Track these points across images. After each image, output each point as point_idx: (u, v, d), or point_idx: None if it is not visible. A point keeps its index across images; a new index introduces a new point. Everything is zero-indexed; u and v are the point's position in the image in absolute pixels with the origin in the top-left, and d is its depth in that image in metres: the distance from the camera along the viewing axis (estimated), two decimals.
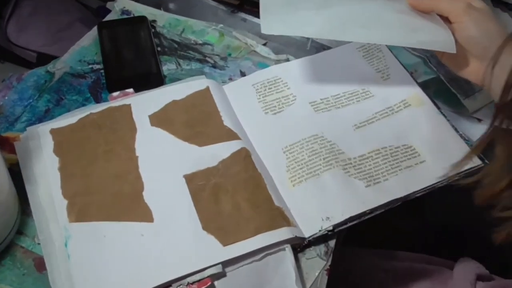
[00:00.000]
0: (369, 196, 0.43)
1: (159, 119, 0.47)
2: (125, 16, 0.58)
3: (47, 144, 0.45)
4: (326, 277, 0.41)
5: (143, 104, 0.48)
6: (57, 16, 0.87)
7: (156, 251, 0.39)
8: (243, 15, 0.62)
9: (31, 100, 0.50)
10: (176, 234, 0.40)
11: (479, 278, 0.50)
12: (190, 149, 0.45)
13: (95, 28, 0.56)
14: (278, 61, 0.55)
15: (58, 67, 0.53)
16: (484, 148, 0.37)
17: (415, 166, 0.45)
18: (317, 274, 0.41)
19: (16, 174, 0.43)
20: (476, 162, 0.45)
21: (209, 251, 0.39)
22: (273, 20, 0.45)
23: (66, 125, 0.46)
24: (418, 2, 0.47)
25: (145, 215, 0.41)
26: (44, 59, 0.79)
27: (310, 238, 0.41)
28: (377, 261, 0.57)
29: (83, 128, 0.46)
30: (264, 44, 0.57)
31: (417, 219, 0.63)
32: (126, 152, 0.45)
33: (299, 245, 0.41)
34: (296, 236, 0.40)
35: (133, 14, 0.59)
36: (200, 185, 0.43)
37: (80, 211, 0.41)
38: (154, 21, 0.58)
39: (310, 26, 0.45)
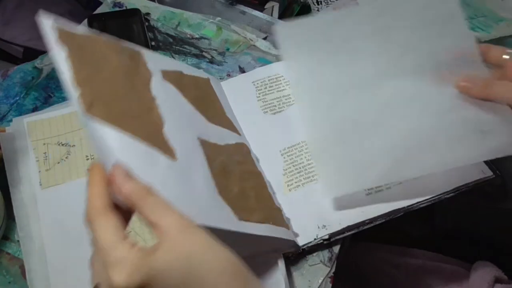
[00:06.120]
0: (369, 205, 0.45)
1: (171, 77, 0.44)
2: (117, 9, 0.61)
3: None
4: (330, 284, 0.43)
5: (154, 57, 0.43)
6: (44, 8, 0.91)
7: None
8: (242, 7, 0.65)
9: (17, 98, 0.53)
10: (197, 186, 0.37)
11: (497, 280, 0.52)
12: (199, 119, 0.44)
13: (85, 22, 0.59)
14: (279, 56, 0.57)
15: (46, 62, 0.56)
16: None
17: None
18: (320, 281, 0.43)
19: (1, 176, 0.46)
20: (487, 173, 0.47)
21: (223, 216, 0.37)
22: (333, 183, 0.44)
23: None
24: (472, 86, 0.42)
25: (167, 149, 0.36)
26: (31, 54, 0.81)
27: (304, 247, 0.43)
28: (389, 256, 0.59)
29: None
30: (265, 38, 0.60)
31: (427, 224, 0.65)
32: (143, 89, 0.40)
33: (292, 254, 0.43)
34: (294, 240, 0.42)
35: (126, 7, 0.62)
36: (212, 155, 0.41)
37: None
38: (148, 14, 0.61)
39: (370, 171, 0.44)
